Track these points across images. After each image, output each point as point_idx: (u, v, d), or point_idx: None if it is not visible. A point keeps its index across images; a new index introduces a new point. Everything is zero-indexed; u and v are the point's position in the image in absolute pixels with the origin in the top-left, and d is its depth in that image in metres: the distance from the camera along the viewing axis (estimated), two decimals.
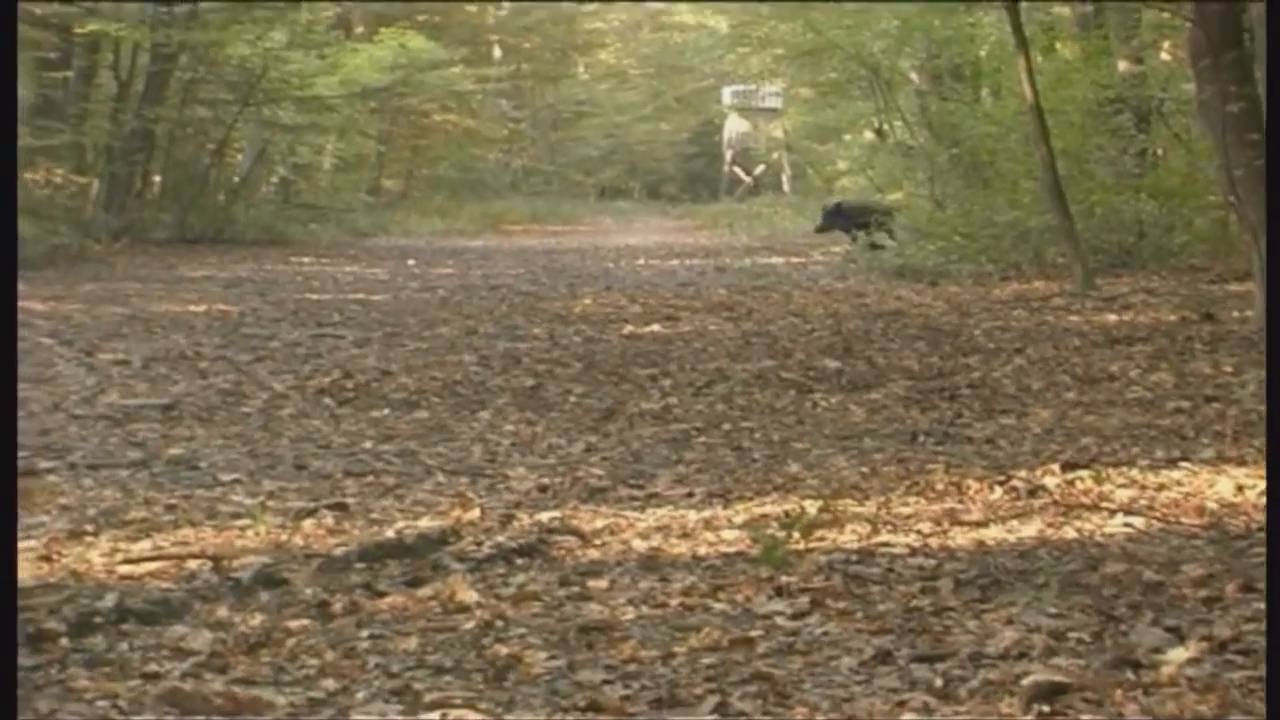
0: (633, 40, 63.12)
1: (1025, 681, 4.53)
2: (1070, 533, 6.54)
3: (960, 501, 7.21)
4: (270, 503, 7.23)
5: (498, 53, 52.72)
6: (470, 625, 5.27)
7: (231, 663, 4.85)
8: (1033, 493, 7.31)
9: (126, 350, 12.61)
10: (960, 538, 6.50)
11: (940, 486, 7.51)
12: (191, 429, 9.29)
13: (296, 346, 13.07)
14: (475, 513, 7.04)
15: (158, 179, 28.62)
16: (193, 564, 6.05)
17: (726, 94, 56.53)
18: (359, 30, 38.96)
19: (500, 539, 6.51)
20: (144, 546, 6.39)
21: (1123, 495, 7.28)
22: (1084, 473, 7.70)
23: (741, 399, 10.36)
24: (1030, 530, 6.59)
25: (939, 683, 4.63)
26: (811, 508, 6.87)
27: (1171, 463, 7.97)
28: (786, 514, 6.79)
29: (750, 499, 7.33)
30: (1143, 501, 7.17)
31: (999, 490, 7.38)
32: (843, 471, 7.97)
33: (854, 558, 6.14)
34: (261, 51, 28.95)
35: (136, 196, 27.43)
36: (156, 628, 5.20)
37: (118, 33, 25.95)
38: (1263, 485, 6.98)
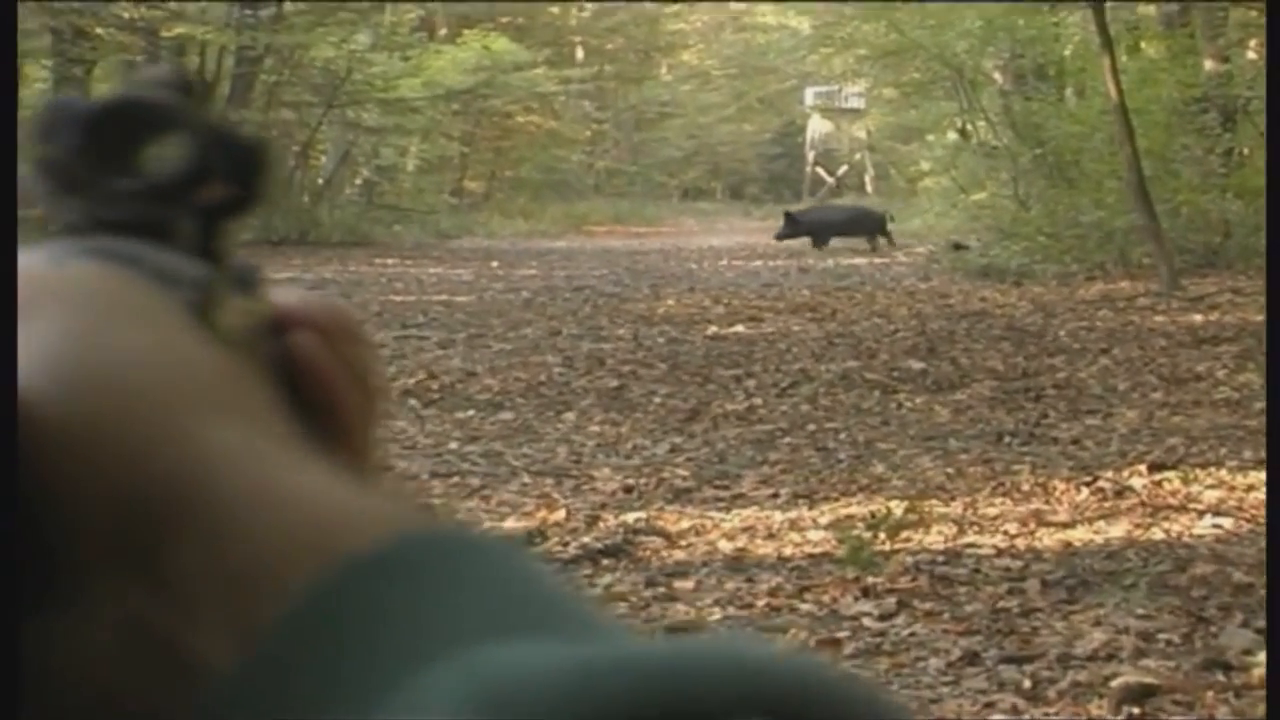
0: (715, 41, 63.05)
1: (1115, 683, 4.52)
2: (1158, 534, 6.51)
3: (1047, 502, 7.19)
4: None
5: (580, 54, 52.81)
6: None
7: None
8: (1120, 493, 7.28)
9: None
10: (1047, 539, 6.48)
11: (1026, 487, 7.49)
12: None
13: (381, 348, 13.11)
14: (561, 514, 7.07)
15: None
16: None
17: (809, 94, 56.37)
18: (442, 32, 39.12)
19: (586, 540, 6.53)
20: None
21: (1211, 496, 7.25)
22: (1171, 473, 7.66)
23: (826, 400, 10.35)
24: (1118, 531, 6.57)
25: (1027, 684, 4.62)
26: (897, 508, 6.87)
27: (1260, 463, 7.91)
28: (872, 515, 6.79)
29: (836, 500, 7.33)
30: (1231, 502, 7.13)
31: (1085, 491, 7.36)
32: (928, 472, 7.96)
33: (940, 558, 6.13)
34: (345, 54, 29.12)
35: None
36: None
37: (204, 36, 26.14)
38: None
